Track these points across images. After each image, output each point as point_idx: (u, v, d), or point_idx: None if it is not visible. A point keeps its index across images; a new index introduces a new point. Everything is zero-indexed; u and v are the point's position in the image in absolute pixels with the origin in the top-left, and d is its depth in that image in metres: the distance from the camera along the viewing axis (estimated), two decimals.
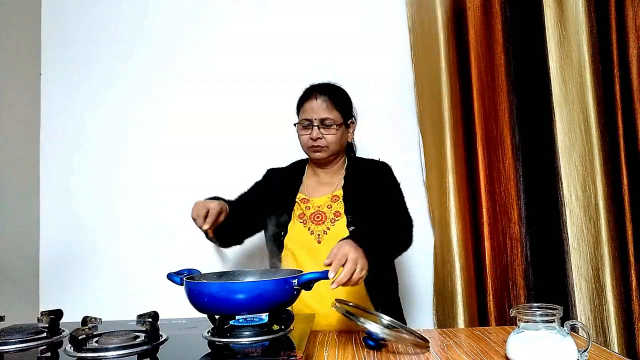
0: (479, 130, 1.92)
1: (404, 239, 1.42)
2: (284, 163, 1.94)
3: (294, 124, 1.55)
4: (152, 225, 2.04)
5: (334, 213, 1.48)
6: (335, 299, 1.16)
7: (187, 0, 2.13)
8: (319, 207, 1.51)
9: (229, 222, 1.38)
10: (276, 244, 1.49)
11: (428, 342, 1.12)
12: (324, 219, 1.48)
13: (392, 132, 2.03)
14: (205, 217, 1.30)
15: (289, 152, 2.02)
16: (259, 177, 1.89)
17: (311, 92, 1.52)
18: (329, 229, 1.45)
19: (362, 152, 1.68)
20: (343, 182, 1.54)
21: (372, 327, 1.08)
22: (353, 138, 1.61)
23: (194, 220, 1.32)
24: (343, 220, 1.45)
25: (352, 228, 1.42)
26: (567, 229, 1.84)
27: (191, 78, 2.10)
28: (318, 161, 1.55)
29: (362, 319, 1.09)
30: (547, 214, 1.88)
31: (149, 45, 2.12)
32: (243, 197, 1.60)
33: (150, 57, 2.11)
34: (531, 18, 1.93)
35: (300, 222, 1.49)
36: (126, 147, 2.09)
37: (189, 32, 2.12)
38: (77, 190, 2.08)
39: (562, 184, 1.86)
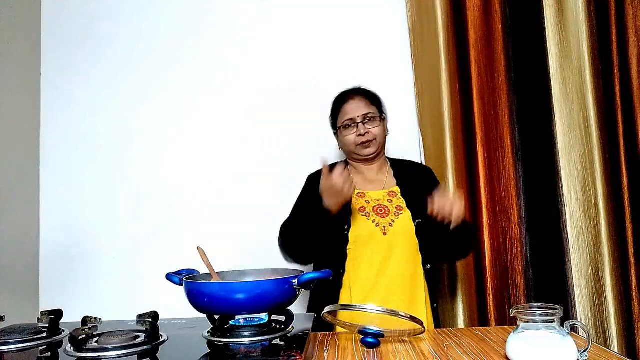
0: (479, 130, 1.92)
1: (470, 241, 1.55)
2: (287, 163, 1.94)
3: (334, 133, 1.57)
4: (152, 225, 2.04)
5: (396, 207, 1.47)
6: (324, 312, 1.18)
7: (188, 0, 2.13)
8: (378, 200, 1.49)
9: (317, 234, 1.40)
10: (339, 239, 1.46)
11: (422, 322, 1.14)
12: (387, 212, 1.47)
13: (392, 132, 2.03)
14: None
15: (290, 151, 2.03)
16: (261, 179, 1.87)
17: (346, 96, 1.56)
18: (394, 222, 1.45)
19: None
20: (395, 180, 1.55)
21: (371, 306, 1.12)
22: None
23: (333, 186, 1.30)
24: (407, 213, 1.46)
25: (418, 221, 1.44)
26: (567, 229, 1.84)
27: (192, 78, 2.10)
28: (367, 157, 1.54)
29: (358, 305, 1.15)
30: (547, 214, 1.88)
31: (150, 45, 2.12)
32: (305, 209, 1.53)
33: (150, 57, 2.11)
34: (531, 18, 1.93)
35: (363, 215, 1.47)
36: (126, 147, 2.09)
37: (190, 32, 2.12)
38: (77, 190, 2.08)
39: (562, 184, 1.86)
